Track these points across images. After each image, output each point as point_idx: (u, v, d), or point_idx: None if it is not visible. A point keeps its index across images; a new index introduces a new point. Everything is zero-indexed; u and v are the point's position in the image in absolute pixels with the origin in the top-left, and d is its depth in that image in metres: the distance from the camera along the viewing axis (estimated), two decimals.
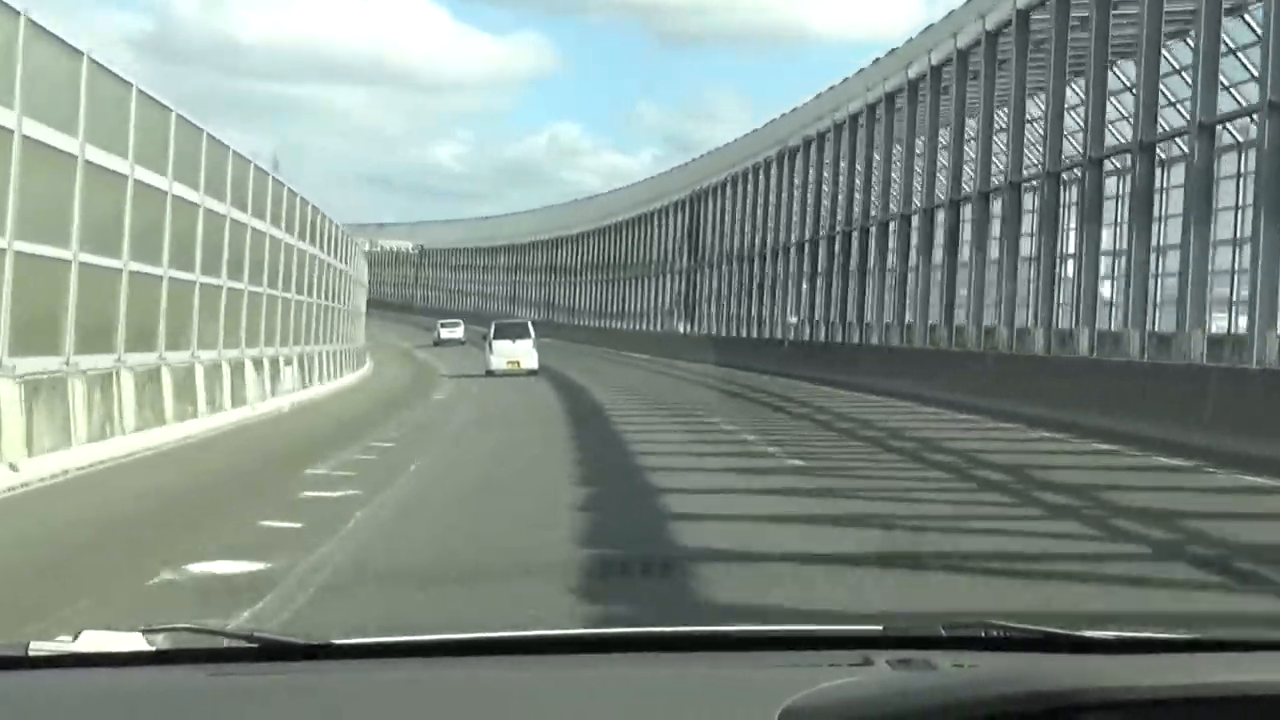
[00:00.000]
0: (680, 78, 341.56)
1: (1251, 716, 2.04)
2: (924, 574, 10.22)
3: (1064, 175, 35.97)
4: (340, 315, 45.48)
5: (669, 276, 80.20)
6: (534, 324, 52.88)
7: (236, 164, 28.03)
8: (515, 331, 47.87)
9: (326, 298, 41.66)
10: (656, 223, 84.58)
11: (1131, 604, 9.51)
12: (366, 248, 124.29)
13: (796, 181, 57.30)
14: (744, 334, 63.02)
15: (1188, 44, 33.30)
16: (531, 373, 44.97)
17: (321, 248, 40.41)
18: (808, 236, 55.13)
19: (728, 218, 69.27)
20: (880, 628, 2.93)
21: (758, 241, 63.17)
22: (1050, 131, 33.92)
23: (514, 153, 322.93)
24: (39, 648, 2.60)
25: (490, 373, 44.76)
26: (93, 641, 2.66)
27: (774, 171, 60.72)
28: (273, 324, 31.99)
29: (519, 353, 46.04)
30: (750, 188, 65.11)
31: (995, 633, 2.88)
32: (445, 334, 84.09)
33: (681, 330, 74.35)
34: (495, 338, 47.04)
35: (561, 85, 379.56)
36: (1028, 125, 37.38)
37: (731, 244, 67.90)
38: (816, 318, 53.73)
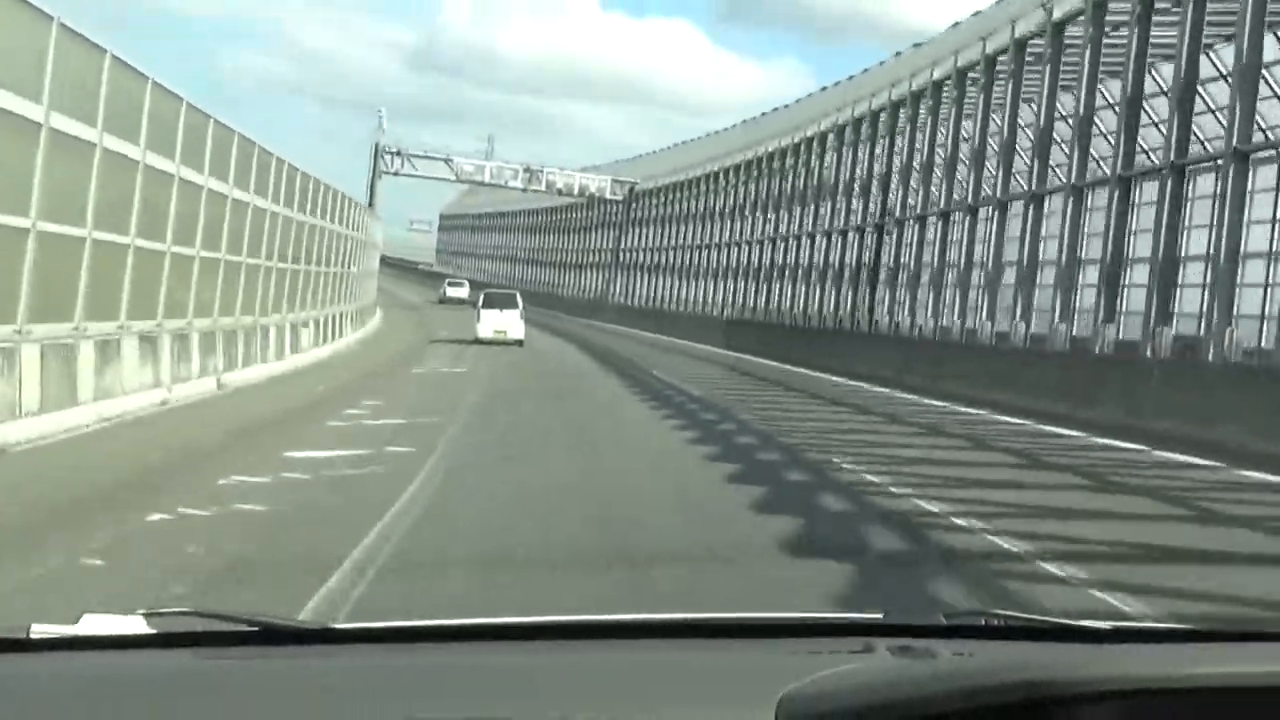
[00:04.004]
0: None
1: (1250, 707, 2.04)
2: None
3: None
4: (323, 277, 42.44)
5: None
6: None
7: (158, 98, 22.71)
8: (503, 301, 50.58)
9: (305, 261, 37.83)
10: None
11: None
12: (520, 185, 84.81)
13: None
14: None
15: None
16: (518, 342, 47.40)
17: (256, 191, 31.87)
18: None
19: None
20: (881, 615, 2.95)
21: None
22: (1239, 96, 28.62)
23: None
24: (40, 630, 2.60)
25: (478, 340, 47.32)
26: (94, 625, 2.66)
27: None
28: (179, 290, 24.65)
29: (506, 322, 48.68)
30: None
31: (996, 622, 2.90)
32: (451, 292, 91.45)
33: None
34: (484, 307, 49.89)
35: None
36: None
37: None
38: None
